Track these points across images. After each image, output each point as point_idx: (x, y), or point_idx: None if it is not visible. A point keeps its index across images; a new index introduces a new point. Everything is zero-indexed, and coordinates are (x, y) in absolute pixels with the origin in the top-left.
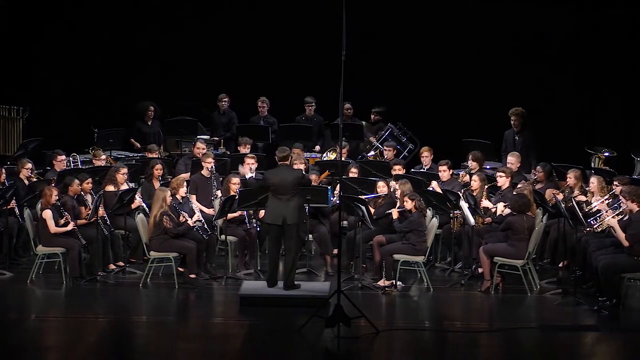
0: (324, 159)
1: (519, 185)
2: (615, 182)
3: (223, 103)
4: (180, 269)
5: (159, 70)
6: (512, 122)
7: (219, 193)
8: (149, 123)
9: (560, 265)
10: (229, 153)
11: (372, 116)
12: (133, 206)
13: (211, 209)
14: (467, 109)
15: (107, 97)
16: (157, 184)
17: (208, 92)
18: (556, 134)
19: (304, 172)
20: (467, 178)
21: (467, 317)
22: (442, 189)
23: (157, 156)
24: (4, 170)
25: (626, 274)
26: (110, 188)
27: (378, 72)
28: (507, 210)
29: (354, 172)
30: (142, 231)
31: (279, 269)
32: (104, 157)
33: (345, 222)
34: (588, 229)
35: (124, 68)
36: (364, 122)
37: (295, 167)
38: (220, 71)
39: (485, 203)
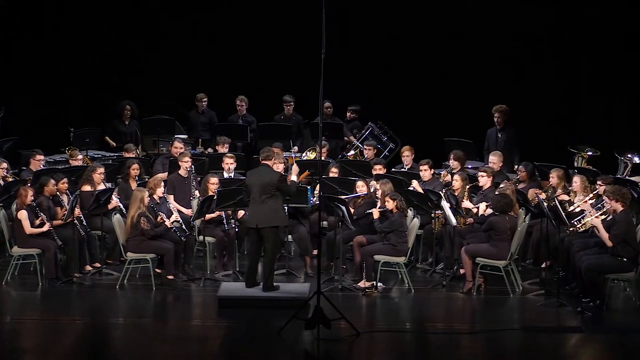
0: (304, 158)
1: (501, 185)
2: (598, 182)
3: (203, 103)
4: (158, 271)
5: (136, 69)
6: (495, 120)
7: (197, 193)
8: (126, 122)
9: (543, 265)
10: (207, 153)
11: (348, 114)
12: (110, 206)
13: (189, 210)
14: (448, 107)
15: (83, 96)
16: (134, 184)
17: (185, 91)
18: (539, 133)
19: (282, 175)
20: (448, 178)
21: (449, 319)
22: (423, 189)
23: (134, 156)
24: None
25: (610, 275)
26: (87, 188)
27: (358, 71)
28: (489, 211)
29: (334, 172)
30: (119, 232)
31: (257, 271)
32: (80, 156)
33: (325, 223)
34: (571, 229)
35: (101, 67)
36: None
37: (274, 166)
38: (198, 70)
39: (467, 203)
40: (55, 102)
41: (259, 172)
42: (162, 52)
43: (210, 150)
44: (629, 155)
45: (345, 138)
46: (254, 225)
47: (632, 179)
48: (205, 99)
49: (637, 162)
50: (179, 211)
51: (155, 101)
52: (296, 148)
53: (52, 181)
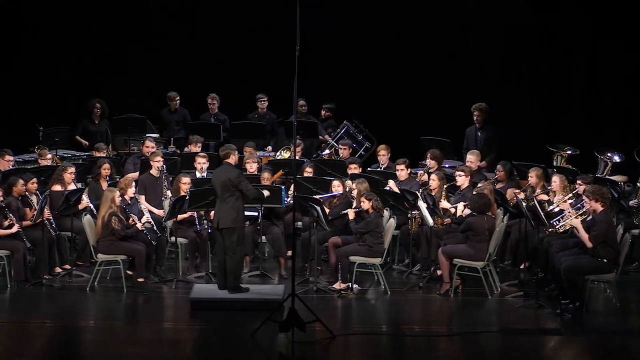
0: (278, 157)
1: (479, 185)
2: (578, 181)
3: (175, 102)
4: (129, 272)
5: (107, 67)
6: (474, 118)
7: (168, 193)
8: (96, 121)
9: (522, 267)
10: (179, 152)
11: (323, 112)
12: (80, 207)
13: (161, 210)
14: (425, 105)
15: (53, 95)
16: (104, 184)
17: (157, 89)
18: (517, 132)
19: (240, 172)
20: (425, 177)
21: (426, 321)
22: (399, 189)
23: (104, 155)
24: None
25: (590, 276)
26: (57, 188)
27: (333, 69)
28: (467, 211)
29: (308, 172)
30: (89, 233)
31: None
32: (49, 156)
33: (299, 223)
34: (550, 230)
35: (70, 65)
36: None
37: (247, 166)
38: (170, 67)
39: (444, 204)
40: (23, 101)
41: (219, 172)
42: (133, 50)
43: (185, 149)
44: (609, 155)
45: (320, 137)
46: (215, 225)
47: (612, 178)
48: (177, 98)
49: (617, 161)
50: (151, 212)
51: (126, 99)
52: (270, 147)
53: (21, 181)
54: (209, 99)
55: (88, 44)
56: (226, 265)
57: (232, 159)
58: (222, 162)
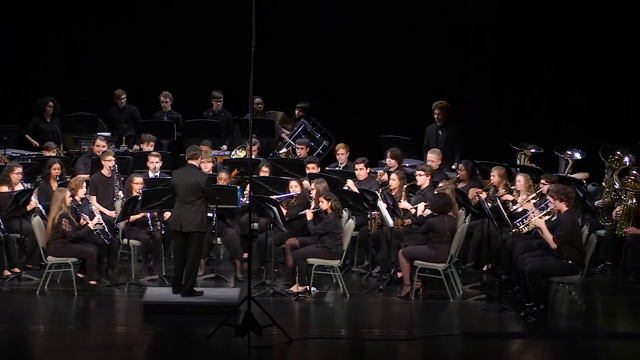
0: (233, 156)
1: (440, 184)
2: (542, 181)
3: (122, 100)
4: (80, 275)
5: (57, 64)
6: (435, 116)
7: (120, 194)
8: (48, 120)
9: (485, 268)
10: (130, 151)
11: (297, 111)
12: (29, 208)
13: (113, 211)
14: (385, 103)
15: (1, 92)
16: (55, 185)
17: (108, 86)
18: (479, 129)
19: (210, 176)
20: (385, 177)
21: (386, 325)
22: (358, 189)
23: (54, 155)
24: None
25: (554, 278)
26: (4, 189)
27: (290, 65)
28: (428, 211)
29: (265, 171)
30: (38, 235)
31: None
32: None
33: (255, 224)
34: (514, 230)
35: (20, 62)
36: (281, 113)
37: (202, 165)
38: (121, 64)
39: (404, 204)
40: None
41: (185, 172)
42: (83, 46)
43: (136, 147)
44: (569, 152)
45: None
46: (179, 228)
47: (576, 176)
48: (123, 96)
49: (579, 158)
50: (102, 213)
51: (76, 97)
52: (225, 146)
53: None
54: (161, 97)
55: (36, 40)
56: (185, 268)
57: (198, 161)
58: (187, 162)
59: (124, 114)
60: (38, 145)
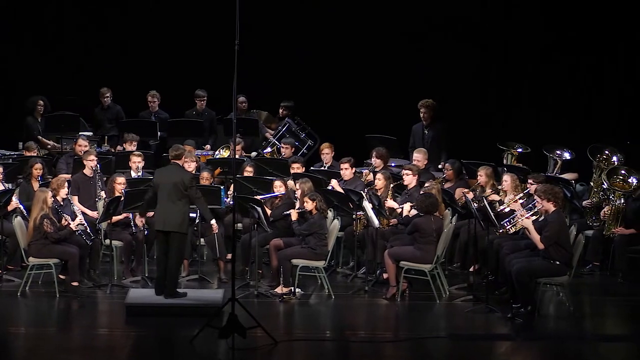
0: (217, 156)
1: (426, 184)
2: (529, 180)
3: (106, 99)
4: (62, 277)
5: (36, 61)
6: (421, 115)
7: (103, 194)
8: (39, 119)
9: (471, 269)
10: (113, 151)
11: (281, 110)
12: (10, 208)
13: (95, 212)
14: (370, 102)
15: None
16: (36, 185)
17: (91, 85)
18: (466, 129)
19: (194, 175)
20: (370, 177)
21: (372, 326)
22: (343, 189)
23: (35, 154)
24: None
25: (542, 279)
26: None
27: (274, 63)
28: (414, 211)
29: (249, 171)
30: (20, 236)
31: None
32: None
33: (239, 225)
34: (501, 231)
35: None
36: (265, 113)
37: (185, 165)
38: (106, 63)
39: (390, 203)
40: None
41: (168, 172)
42: (67, 43)
43: (118, 147)
44: (558, 152)
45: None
46: (161, 227)
47: (564, 176)
48: (108, 94)
49: (568, 158)
50: (84, 213)
51: (58, 96)
52: (208, 146)
53: None
54: (149, 97)
55: (17, 38)
56: (167, 270)
57: (182, 161)
58: (171, 162)
59: (108, 113)
60: (54, 144)
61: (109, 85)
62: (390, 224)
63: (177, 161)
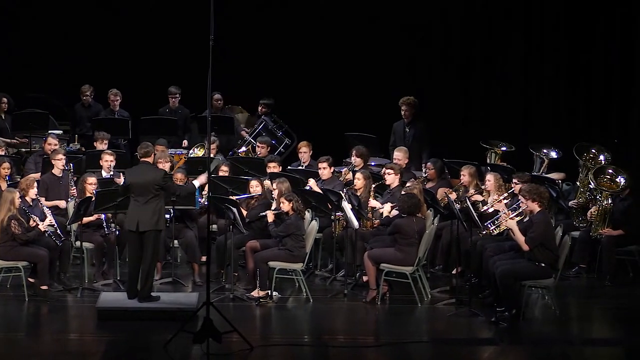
0: (191, 155)
1: (407, 184)
2: (514, 180)
3: (86, 97)
4: (31, 280)
5: (5, 59)
6: (402, 113)
7: (74, 192)
8: (2, 117)
9: (454, 272)
10: (84, 150)
11: (260, 108)
12: None
13: (63, 205)
14: (350, 99)
15: None
16: (4, 185)
17: (63, 83)
18: (448, 127)
19: (167, 173)
20: (350, 176)
21: (351, 331)
22: (321, 189)
23: (3, 154)
24: None
25: (527, 282)
26: None
27: (250, 59)
28: (395, 212)
29: (224, 171)
30: None
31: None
32: None
33: (214, 226)
34: (484, 232)
35: None
36: (242, 113)
37: (159, 166)
38: (75, 60)
39: (373, 202)
40: None
41: (140, 170)
42: (37, 40)
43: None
44: (545, 151)
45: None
46: (134, 227)
47: (552, 176)
48: (88, 92)
49: (554, 157)
50: (54, 214)
51: (27, 94)
52: (186, 142)
53: None
54: (110, 95)
55: None
56: (141, 272)
57: (152, 158)
58: (140, 161)
59: (89, 112)
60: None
61: (79, 84)
62: (374, 225)
63: (146, 159)
